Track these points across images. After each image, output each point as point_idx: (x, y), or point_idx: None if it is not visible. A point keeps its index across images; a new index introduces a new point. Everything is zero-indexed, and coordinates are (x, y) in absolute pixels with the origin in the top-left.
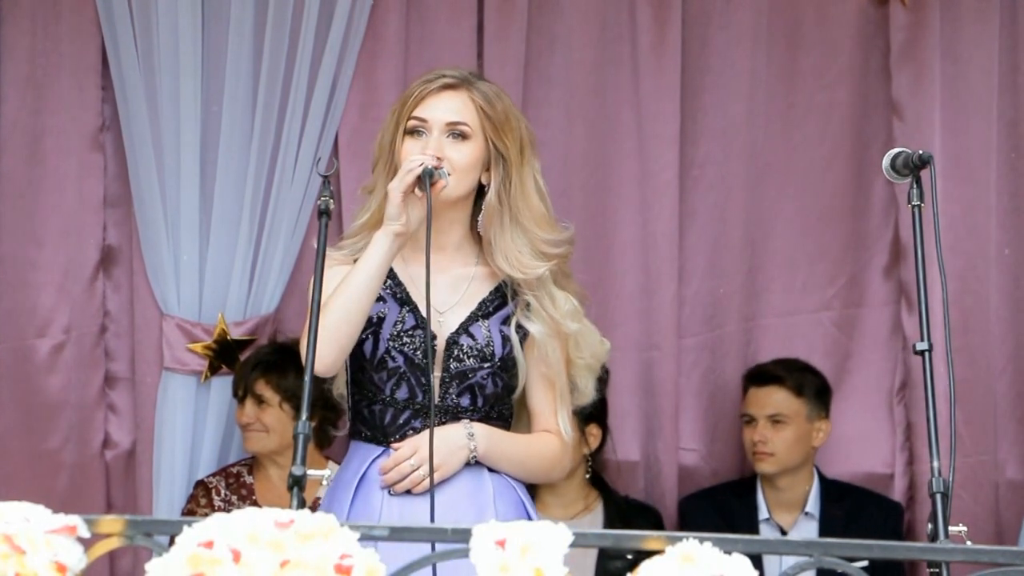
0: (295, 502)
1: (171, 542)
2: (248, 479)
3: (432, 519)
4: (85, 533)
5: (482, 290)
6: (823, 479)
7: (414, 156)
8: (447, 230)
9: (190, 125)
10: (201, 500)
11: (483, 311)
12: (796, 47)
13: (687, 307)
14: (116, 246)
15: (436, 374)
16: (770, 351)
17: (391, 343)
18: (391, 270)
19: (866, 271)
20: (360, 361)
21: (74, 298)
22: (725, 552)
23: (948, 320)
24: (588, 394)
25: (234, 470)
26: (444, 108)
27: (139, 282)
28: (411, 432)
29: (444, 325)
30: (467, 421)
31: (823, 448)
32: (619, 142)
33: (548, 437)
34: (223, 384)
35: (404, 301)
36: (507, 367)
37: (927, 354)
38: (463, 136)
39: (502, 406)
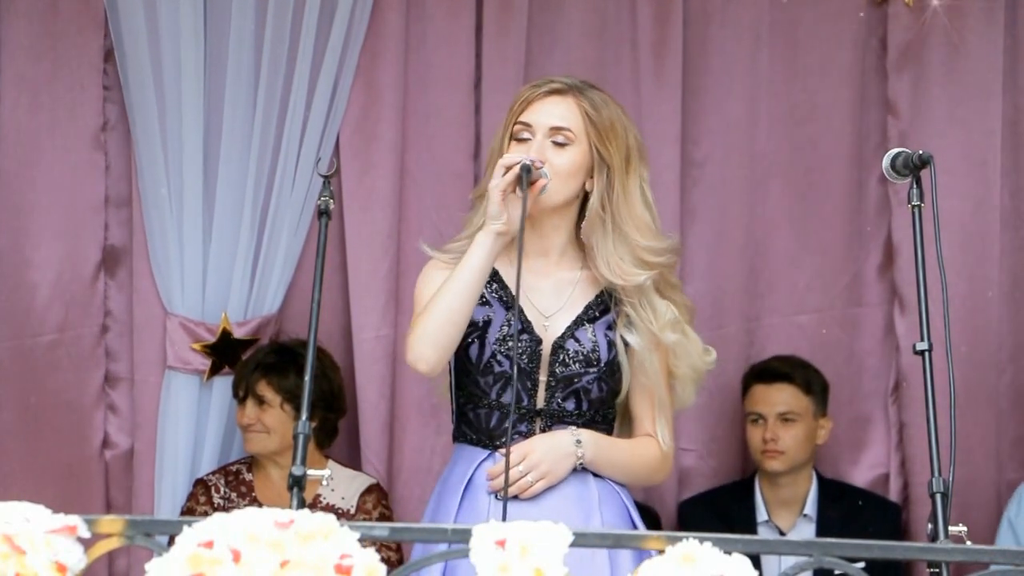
0: (295, 502)
1: (171, 542)
2: (247, 476)
3: None
4: (85, 533)
5: (587, 295)
6: (821, 479)
7: (509, 155)
8: (551, 235)
9: (194, 125)
10: (200, 498)
11: (588, 316)
12: (796, 47)
13: None
14: (118, 246)
15: (542, 378)
16: (771, 351)
17: (497, 347)
18: (497, 274)
19: (864, 271)
20: (465, 365)
21: (74, 298)
22: (725, 552)
23: (948, 320)
24: (688, 400)
25: (233, 468)
26: (548, 113)
27: (142, 281)
28: (516, 436)
29: (550, 329)
30: (574, 428)
31: (822, 448)
32: None
33: (650, 442)
34: (225, 384)
35: (510, 305)
36: (612, 372)
37: (927, 354)
38: (566, 141)
39: (606, 410)
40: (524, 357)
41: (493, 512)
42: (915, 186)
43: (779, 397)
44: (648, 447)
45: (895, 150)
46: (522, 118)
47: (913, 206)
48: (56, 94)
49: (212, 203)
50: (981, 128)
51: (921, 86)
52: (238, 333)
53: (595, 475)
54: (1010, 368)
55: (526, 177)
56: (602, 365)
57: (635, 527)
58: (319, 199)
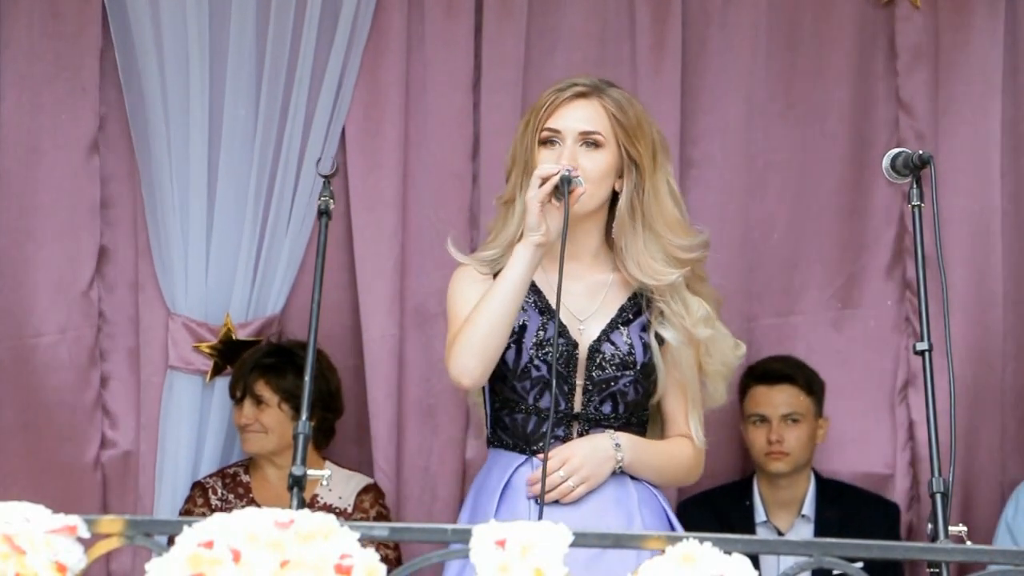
0: (295, 502)
1: (170, 542)
2: (245, 478)
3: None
4: (85, 533)
5: (620, 297)
6: (820, 479)
7: (546, 165)
8: (582, 239)
9: (197, 125)
10: (198, 500)
11: (622, 318)
12: (796, 47)
13: None
14: (118, 246)
15: (578, 382)
16: (770, 351)
17: (534, 352)
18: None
19: (866, 271)
20: (501, 370)
21: (71, 298)
22: (725, 552)
23: (948, 320)
24: (719, 398)
25: (231, 470)
26: (576, 117)
27: (143, 281)
28: (554, 440)
29: (584, 333)
30: (612, 432)
31: (824, 448)
32: None
33: (683, 442)
34: (227, 385)
35: (544, 310)
36: (647, 374)
37: (927, 354)
38: (596, 145)
39: (641, 412)
40: (561, 361)
41: (533, 517)
42: (915, 186)
43: (782, 398)
44: (683, 447)
45: (895, 150)
46: (549, 124)
47: (913, 206)
48: (56, 95)
49: (214, 204)
50: (983, 128)
51: (931, 86)
52: (241, 334)
53: (632, 478)
54: (1011, 367)
55: (566, 188)
56: (638, 368)
57: (673, 529)
58: (319, 199)
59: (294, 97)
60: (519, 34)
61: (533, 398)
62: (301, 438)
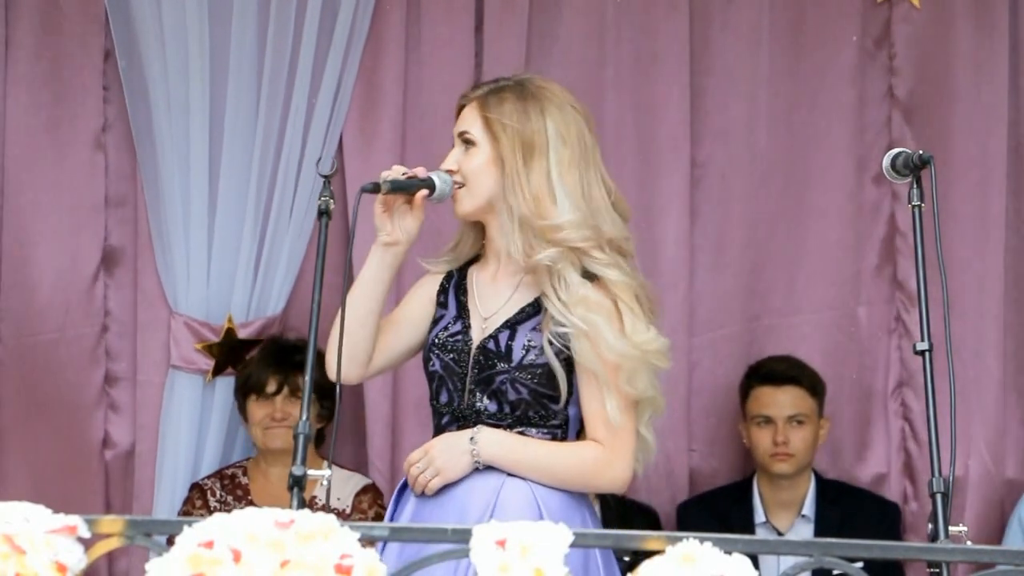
0: (295, 502)
1: (169, 542)
2: (243, 480)
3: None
4: (85, 533)
5: (526, 297)
6: (820, 480)
7: (397, 167)
8: (495, 237)
9: (199, 125)
10: (196, 502)
11: (518, 317)
12: (798, 47)
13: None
14: (119, 245)
15: (468, 379)
16: (772, 351)
17: (433, 348)
18: (465, 279)
19: (865, 270)
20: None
21: (75, 297)
22: (725, 552)
23: (948, 320)
24: (639, 391)
25: (229, 472)
26: (460, 121)
27: (145, 281)
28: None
29: (483, 332)
30: (480, 427)
31: (821, 448)
32: (620, 141)
33: (584, 444)
34: (228, 384)
35: (462, 308)
36: (530, 373)
37: (927, 354)
38: (470, 143)
39: (540, 414)
40: (458, 358)
41: (408, 508)
42: (915, 186)
43: (788, 400)
44: (580, 449)
45: (895, 150)
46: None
47: (913, 206)
48: (58, 94)
49: (215, 204)
50: (984, 128)
51: (927, 85)
52: (242, 334)
53: (511, 474)
54: (1011, 367)
55: (381, 193)
56: (512, 365)
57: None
58: (320, 199)
59: (295, 98)
60: (520, 34)
61: (434, 393)
62: (301, 438)
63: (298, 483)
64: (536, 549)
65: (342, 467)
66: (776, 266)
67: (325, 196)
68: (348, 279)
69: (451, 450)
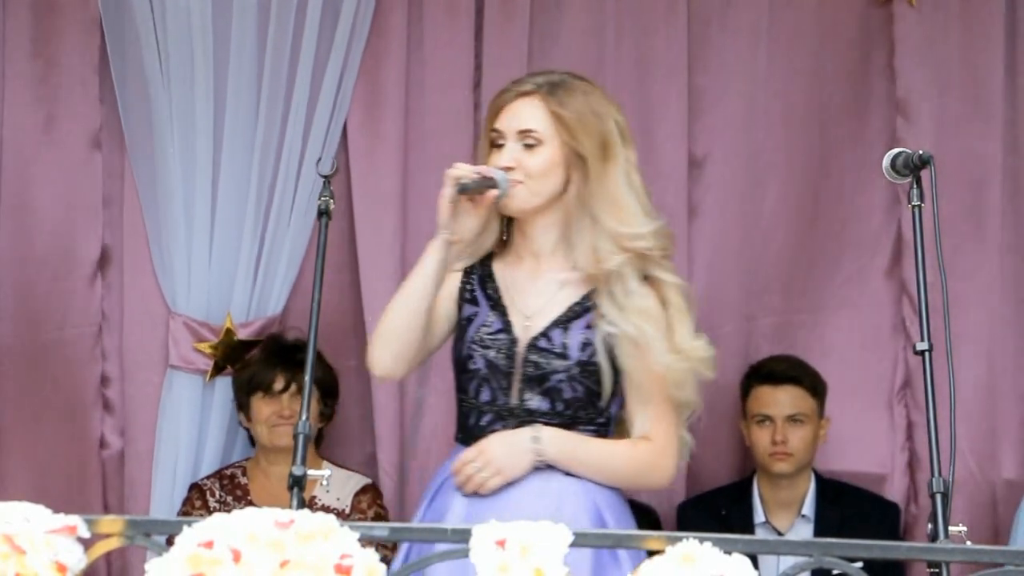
0: (295, 502)
1: (169, 542)
2: (243, 480)
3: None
4: (85, 533)
5: (573, 295)
6: (820, 480)
7: (460, 165)
8: (539, 236)
9: (203, 125)
10: (196, 503)
11: (568, 315)
12: (797, 46)
13: None
14: (117, 245)
15: (517, 377)
16: (771, 351)
17: (473, 345)
18: (492, 274)
19: (867, 270)
20: (454, 363)
21: (72, 297)
22: (725, 552)
23: (948, 320)
24: (689, 398)
25: (228, 472)
26: (516, 117)
27: (141, 280)
28: (492, 435)
29: (528, 329)
30: (537, 425)
31: (822, 448)
32: None
33: (638, 443)
34: (228, 384)
35: (495, 304)
36: (587, 372)
37: (927, 354)
38: (535, 142)
39: (589, 412)
40: (500, 355)
41: (457, 508)
42: (915, 186)
43: (787, 399)
44: (632, 448)
45: (895, 150)
46: (495, 125)
47: (913, 206)
48: (55, 93)
49: (215, 204)
50: (983, 128)
51: (925, 85)
52: (241, 334)
53: (568, 473)
54: (1012, 367)
55: (453, 193)
56: (571, 363)
57: (604, 526)
58: (320, 199)
59: (295, 97)
60: (522, 34)
61: (474, 391)
62: (301, 438)
63: (298, 483)
64: (536, 549)
65: (341, 467)
66: (776, 266)
67: (325, 196)
68: (434, 281)
69: (511, 449)
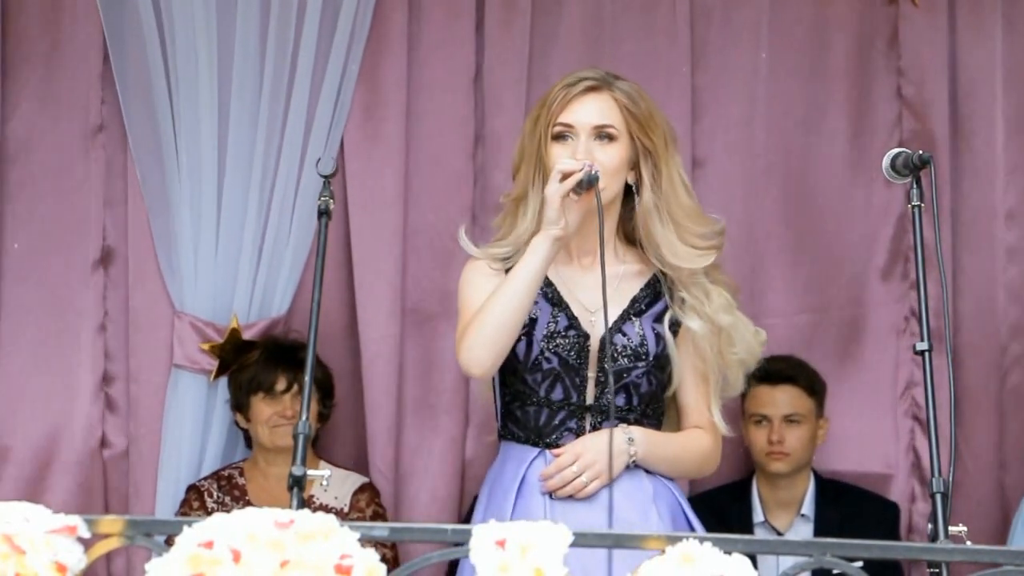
0: (295, 502)
1: (168, 542)
2: (240, 480)
3: (610, 524)
4: (85, 533)
5: (632, 288)
6: (819, 479)
7: (565, 160)
8: (594, 232)
9: (207, 126)
10: (194, 503)
11: (635, 309)
12: (797, 46)
13: None
14: (118, 244)
15: (590, 374)
16: (772, 351)
17: (545, 344)
18: None
19: (869, 270)
20: (512, 363)
21: (75, 296)
22: (725, 552)
23: (948, 320)
24: (738, 387)
25: (225, 473)
26: (589, 111)
27: (145, 280)
28: (566, 432)
29: (596, 325)
30: (624, 426)
31: (823, 448)
32: None
33: (699, 433)
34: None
35: (555, 302)
36: (661, 365)
37: (927, 354)
38: (610, 138)
39: (656, 404)
40: (572, 353)
41: (549, 512)
42: (915, 186)
43: (784, 399)
44: (698, 439)
45: (895, 150)
46: (562, 119)
47: (913, 206)
48: (58, 93)
49: (219, 205)
50: (985, 128)
51: (929, 85)
52: (246, 335)
53: (647, 471)
54: (1017, 369)
55: (595, 185)
56: (650, 359)
57: (689, 522)
58: (319, 199)
59: (295, 99)
60: (523, 34)
61: (544, 390)
62: (301, 438)
63: (298, 483)
64: (536, 549)
65: (339, 466)
66: (777, 266)
67: (325, 196)
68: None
69: (607, 451)
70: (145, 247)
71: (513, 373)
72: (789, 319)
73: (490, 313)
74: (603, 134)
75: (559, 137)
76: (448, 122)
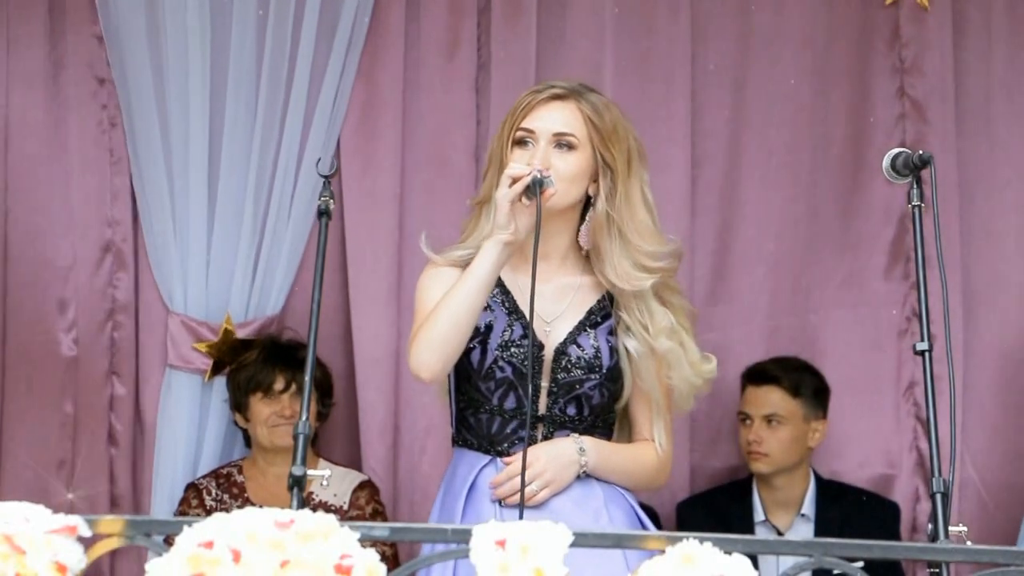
0: (295, 502)
1: (167, 542)
2: (239, 479)
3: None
4: (85, 533)
5: (588, 300)
6: (819, 480)
7: (513, 165)
8: (553, 240)
9: (199, 125)
10: (192, 502)
11: (590, 321)
12: (798, 46)
13: None
14: (120, 243)
15: (544, 384)
16: (774, 352)
17: (499, 353)
18: (499, 279)
19: (870, 270)
20: (467, 370)
21: (79, 295)
22: (725, 552)
23: (948, 320)
24: (685, 407)
25: (224, 471)
26: (551, 119)
27: (144, 279)
28: (518, 441)
29: (551, 335)
30: (576, 435)
31: (826, 448)
32: None
33: (649, 446)
34: (225, 384)
35: (512, 310)
36: (613, 378)
37: (927, 354)
38: (570, 146)
39: (607, 415)
40: (526, 363)
41: (499, 518)
42: (915, 187)
43: (766, 399)
44: (648, 452)
45: (895, 150)
46: (524, 124)
47: (913, 206)
48: (60, 95)
49: (214, 203)
50: (987, 128)
51: (932, 85)
52: (240, 334)
53: (598, 479)
54: (1014, 369)
55: (538, 190)
56: (604, 371)
57: (643, 525)
58: (319, 199)
59: (293, 98)
60: (529, 34)
61: (498, 399)
62: (301, 438)
63: (298, 483)
64: (536, 549)
65: (337, 464)
66: (778, 266)
67: (325, 196)
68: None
69: (559, 460)
70: (141, 247)
71: (467, 380)
72: (791, 319)
73: (439, 318)
74: (563, 142)
75: (520, 142)
76: (448, 122)
